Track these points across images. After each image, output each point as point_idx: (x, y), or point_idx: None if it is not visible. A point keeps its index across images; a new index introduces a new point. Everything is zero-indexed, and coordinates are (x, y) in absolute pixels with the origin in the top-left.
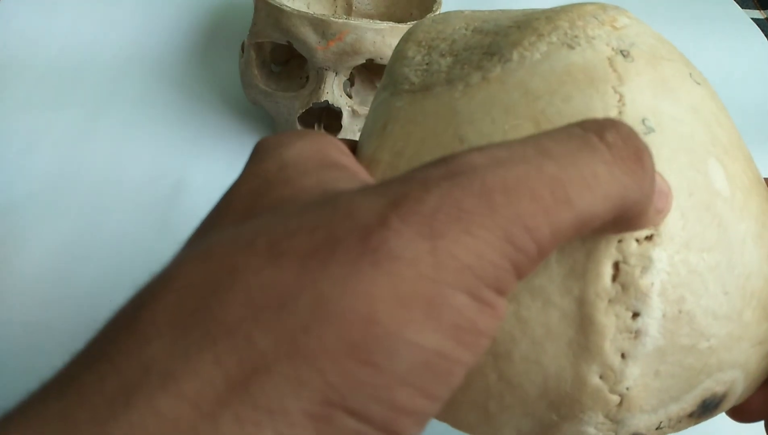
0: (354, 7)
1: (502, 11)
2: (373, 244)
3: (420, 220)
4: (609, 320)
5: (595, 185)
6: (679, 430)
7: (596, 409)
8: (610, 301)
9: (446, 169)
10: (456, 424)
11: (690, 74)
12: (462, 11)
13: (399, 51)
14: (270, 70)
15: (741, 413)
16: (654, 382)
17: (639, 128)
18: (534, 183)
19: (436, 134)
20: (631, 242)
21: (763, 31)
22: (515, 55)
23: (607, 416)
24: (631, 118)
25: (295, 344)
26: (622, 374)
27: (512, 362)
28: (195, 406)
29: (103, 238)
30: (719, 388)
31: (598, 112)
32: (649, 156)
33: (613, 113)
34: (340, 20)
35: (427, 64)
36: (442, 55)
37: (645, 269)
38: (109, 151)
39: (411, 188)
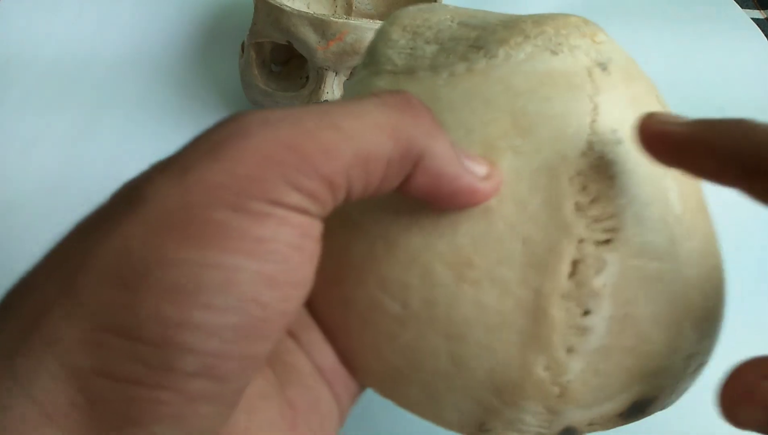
0: (354, 7)
1: (486, 12)
2: (132, 198)
3: (173, 164)
4: (560, 314)
5: (363, 115)
6: (607, 428)
7: (537, 399)
8: (563, 296)
9: (216, 124)
10: (399, 401)
11: (656, 96)
12: (447, 5)
13: (383, 32)
14: (270, 70)
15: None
16: (594, 379)
17: (609, 137)
18: (297, 113)
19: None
20: (590, 243)
21: (763, 31)
22: (501, 52)
23: (545, 407)
24: (603, 126)
25: (67, 287)
26: (566, 368)
27: (465, 345)
28: (2, 346)
29: None
30: (650, 392)
31: (574, 116)
32: (421, 103)
33: (587, 120)
34: (340, 20)
35: (411, 48)
36: (427, 42)
37: (599, 270)
38: (109, 151)
39: (181, 147)
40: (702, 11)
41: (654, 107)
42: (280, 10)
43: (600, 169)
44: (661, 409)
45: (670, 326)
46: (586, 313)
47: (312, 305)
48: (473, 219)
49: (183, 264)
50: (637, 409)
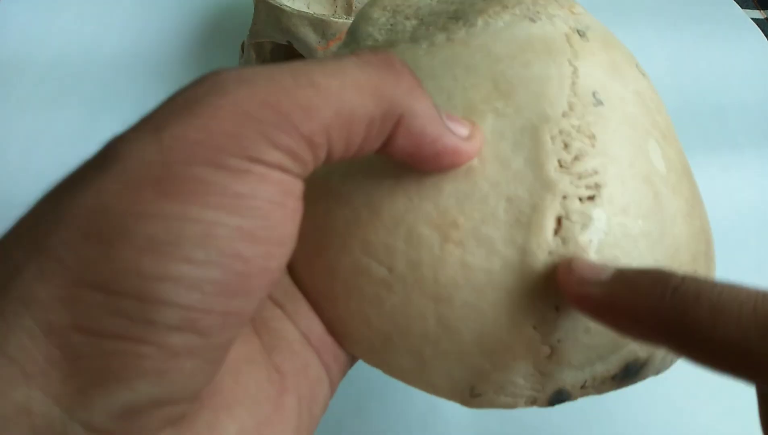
0: (354, 7)
1: None
2: (106, 157)
3: (150, 121)
4: (547, 272)
5: (343, 73)
6: (601, 392)
7: (528, 359)
8: (550, 253)
9: (193, 81)
10: (389, 369)
11: (636, 64)
12: None
13: (363, 13)
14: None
15: None
16: (584, 338)
17: (589, 99)
18: (274, 70)
19: None
20: (574, 200)
21: (763, 31)
22: (480, 22)
23: (536, 367)
24: (583, 88)
25: (39, 246)
26: (555, 326)
27: (453, 307)
28: None
29: None
30: (642, 353)
31: (554, 79)
32: (402, 63)
33: (567, 83)
34: (340, 20)
35: (391, 24)
36: (407, 18)
37: (585, 226)
38: None
39: (157, 104)
40: (702, 11)
41: (633, 74)
42: (280, 10)
43: (581, 129)
44: (655, 374)
45: None
46: None
47: (297, 275)
48: (457, 179)
49: (161, 218)
50: (631, 372)
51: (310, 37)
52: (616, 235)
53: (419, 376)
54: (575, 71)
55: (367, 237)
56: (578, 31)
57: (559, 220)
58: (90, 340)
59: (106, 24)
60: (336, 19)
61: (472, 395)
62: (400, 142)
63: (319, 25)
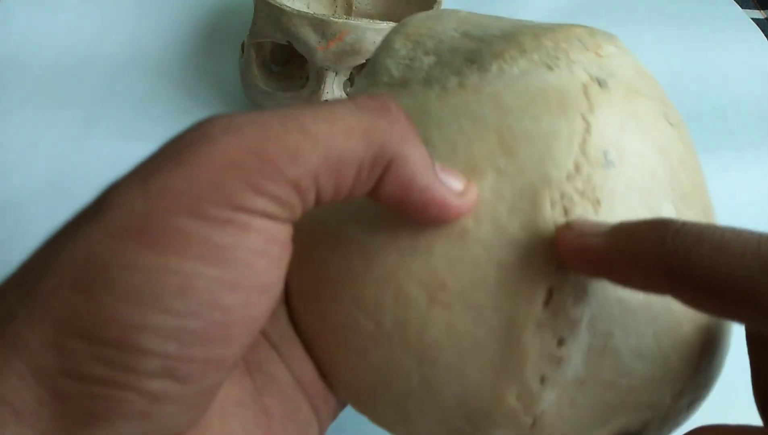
0: (354, 7)
1: (497, 18)
2: (99, 205)
3: (140, 170)
4: (534, 343)
5: (334, 118)
6: None
7: (509, 428)
8: (538, 324)
9: (184, 130)
10: (374, 418)
11: (664, 114)
12: (458, 11)
13: (387, 41)
14: (270, 70)
15: None
16: (569, 411)
17: (600, 160)
18: (264, 117)
19: None
20: (569, 270)
21: (763, 31)
22: (494, 67)
23: None
24: (595, 148)
25: (30, 294)
26: (539, 398)
27: (436, 368)
28: None
29: None
30: (633, 426)
31: (563, 136)
32: (397, 106)
33: (577, 140)
34: (340, 20)
35: (410, 59)
36: (426, 53)
37: (578, 299)
38: (109, 151)
39: (152, 152)
40: (702, 11)
41: (657, 126)
42: (280, 10)
43: (585, 193)
44: None
45: (656, 359)
46: (561, 343)
47: (293, 317)
48: (450, 240)
49: (142, 269)
50: None
51: (310, 37)
52: (613, 309)
53: (402, 429)
54: (588, 128)
55: (358, 289)
56: (599, 80)
57: (550, 291)
58: (75, 383)
59: (106, 24)
60: (336, 19)
61: None
62: (388, 188)
63: (319, 25)
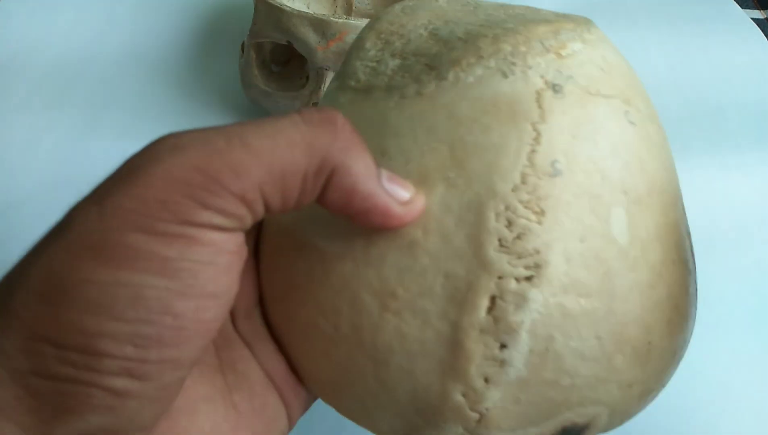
0: (354, 7)
1: (474, 8)
2: (63, 223)
3: (96, 192)
4: (477, 348)
5: (276, 133)
6: None
7: (456, 422)
8: (481, 330)
9: (139, 150)
10: (342, 412)
11: (626, 113)
12: (437, 0)
13: (360, 38)
14: (270, 70)
15: None
16: (513, 407)
17: (547, 170)
18: (209, 134)
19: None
20: (510, 280)
21: (763, 31)
22: (451, 75)
23: (465, 429)
24: (543, 157)
25: (4, 304)
26: (483, 396)
27: (389, 369)
28: None
29: None
30: (579, 420)
31: (512, 147)
32: (343, 120)
33: (525, 151)
34: (340, 20)
35: (377, 61)
36: (393, 55)
37: (518, 307)
38: (109, 151)
39: (110, 172)
40: (702, 11)
41: (614, 128)
42: (280, 10)
43: (530, 204)
44: (602, 432)
45: (599, 360)
46: (503, 346)
47: (266, 317)
48: (400, 251)
49: (97, 282)
50: (568, 434)
51: (310, 37)
52: (553, 315)
53: (366, 421)
54: (538, 137)
55: (318, 295)
56: (553, 86)
57: (492, 299)
58: (46, 382)
59: (106, 24)
60: (336, 19)
61: None
62: (332, 196)
63: (319, 25)
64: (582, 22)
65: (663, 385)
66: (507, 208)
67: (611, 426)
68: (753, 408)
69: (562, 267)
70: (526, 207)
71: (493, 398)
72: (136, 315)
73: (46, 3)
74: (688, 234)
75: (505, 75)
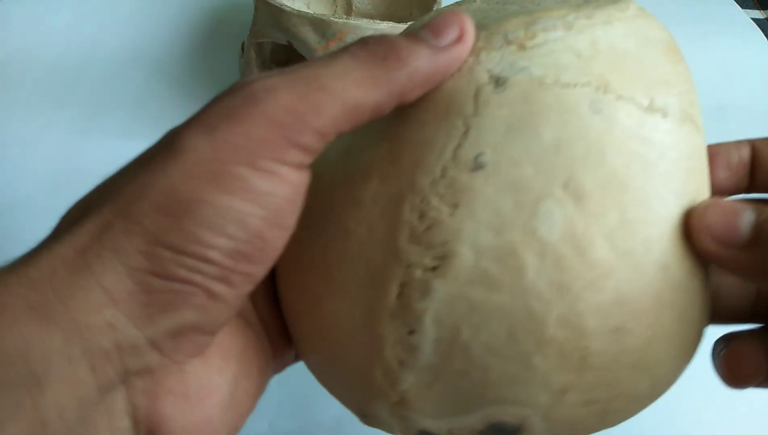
0: (354, 7)
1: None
2: (173, 144)
3: (202, 122)
4: (389, 332)
5: (346, 74)
6: None
7: (382, 402)
8: (391, 315)
9: (230, 90)
10: (315, 377)
11: (594, 101)
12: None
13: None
14: (270, 70)
15: (736, 375)
16: (429, 393)
17: (467, 164)
18: (291, 78)
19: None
20: (416, 269)
21: (763, 31)
22: None
23: (392, 409)
24: (467, 151)
25: (125, 211)
26: (399, 378)
27: (335, 346)
28: (73, 248)
29: None
30: (509, 419)
31: (438, 143)
32: (385, 44)
33: (451, 145)
34: (340, 20)
35: None
36: None
37: (423, 295)
38: (109, 151)
39: (204, 107)
40: (702, 11)
41: (564, 121)
42: (280, 11)
43: (445, 197)
44: None
45: (513, 358)
46: (411, 332)
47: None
48: (340, 238)
49: (213, 204)
50: (501, 432)
51: (310, 37)
52: (458, 306)
53: (333, 391)
54: (467, 132)
55: (291, 273)
56: (498, 79)
57: (402, 286)
58: (160, 281)
59: (106, 24)
60: (336, 19)
61: (362, 416)
62: (415, 94)
63: (319, 25)
64: (609, 2)
65: (633, 402)
66: (422, 201)
67: (554, 433)
68: (752, 409)
69: (470, 259)
70: (441, 200)
71: (408, 381)
72: (239, 235)
73: (46, 3)
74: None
75: (458, 70)
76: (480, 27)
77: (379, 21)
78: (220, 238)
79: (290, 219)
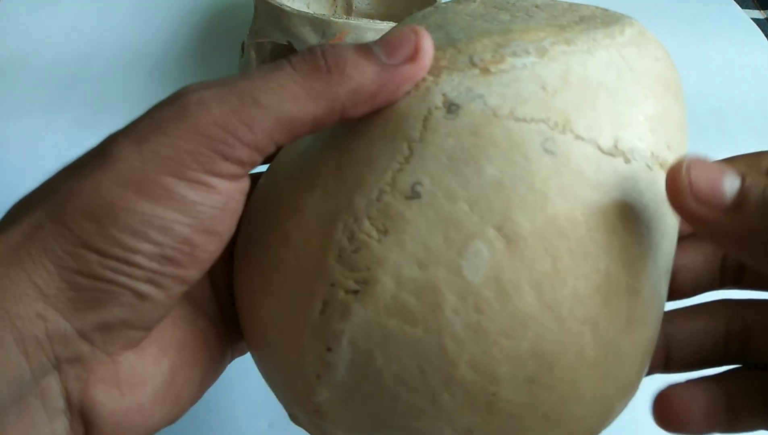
0: (354, 7)
1: (501, 10)
2: (104, 152)
3: (133, 132)
4: (310, 345)
5: (280, 88)
6: None
7: (302, 408)
8: (313, 329)
9: (167, 100)
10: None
11: (546, 140)
12: (450, 7)
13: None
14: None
15: (678, 424)
16: (342, 409)
17: (404, 191)
18: (225, 91)
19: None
20: (340, 290)
21: (763, 31)
22: None
23: (310, 419)
24: (406, 177)
25: (55, 214)
26: (315, 390)
27: (267, 348)
28: (8, 245)
29: None
30: None
31: (381, 163)
32: (329, 56)
33: (393, 168)
34: (340, 20)
35: None
36: None
37: (342, 317)
38: None
39: (139, 117)
40: (702, 11)
41: (511, 158)
42: (280, 10)
43: (376, 221)
44: None
45: (422, 393)
46: (329, 350)
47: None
48: (280, 243)
49: (138, 212)
50: None
51: (310, 37)
52: (374, 333)
53: (270, 386)
54: (409, 157)
55: (241, 266)
56: (450, 106)
57: (325, 303)
58: (88, 280)
59: (105, 24)
60: (336, 19)
61: (290, 415)
62: (359, 111)
63: (319, 25)
64: (603, 24)
65: None
66: (355, 221)
67: None
68: None
69: (390, 289)
70: (372, 224)
71: (323, 395)
72: (164, 241)
73: (46, 3)
74: (659, 280)
75: (416, 88)
76: (449, 44)
77: (379, 21)
78: (144, 244)
79: (224, 225)
